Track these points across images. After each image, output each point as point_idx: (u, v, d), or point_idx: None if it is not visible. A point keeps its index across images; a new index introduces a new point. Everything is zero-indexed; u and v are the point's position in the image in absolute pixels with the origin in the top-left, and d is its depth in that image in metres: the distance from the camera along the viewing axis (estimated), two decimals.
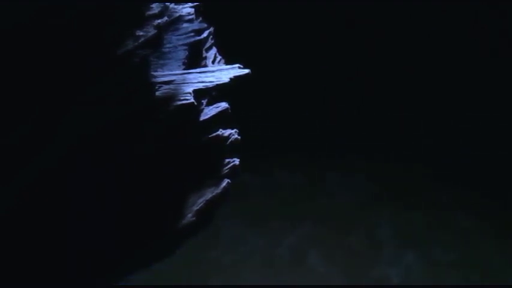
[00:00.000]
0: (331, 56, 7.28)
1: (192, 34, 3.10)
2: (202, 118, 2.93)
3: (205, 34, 3.17)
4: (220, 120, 2.99)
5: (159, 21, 2.83)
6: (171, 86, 2.83)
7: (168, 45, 3.02)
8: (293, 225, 5.62)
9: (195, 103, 2.79)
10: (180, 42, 3.06)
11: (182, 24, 3.12)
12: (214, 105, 3.00)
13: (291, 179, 6.18)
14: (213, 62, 3.20)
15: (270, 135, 6.56)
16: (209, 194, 2.89)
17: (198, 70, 2.98)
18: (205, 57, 3.17)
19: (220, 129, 3.00)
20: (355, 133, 6.79)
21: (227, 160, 3.02)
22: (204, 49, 3.18)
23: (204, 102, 2.96)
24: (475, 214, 5.77)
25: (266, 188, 6.05)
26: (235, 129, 3.04)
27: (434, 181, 6.23)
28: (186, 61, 3.00)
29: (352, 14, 7.38)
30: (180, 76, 2.90)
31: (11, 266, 2.36)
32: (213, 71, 2.98)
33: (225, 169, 2.99)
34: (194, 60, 3.07)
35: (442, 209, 5.86)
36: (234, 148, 3.04)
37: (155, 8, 2.88)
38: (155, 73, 2.86)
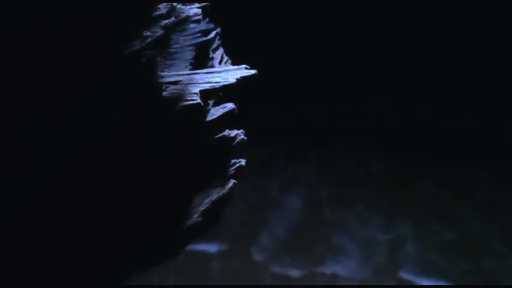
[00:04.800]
0: (336, 57, 7.20)
1: (199, 35, 3.03)
2: (208, 118, 2.85)
3: (212, 35, 3.09)
4: (226, 120, 2.91)
5: (166, 21, 2.75)
6: (178, 87, 2.75)
7: (175, 46, 2.95)
8: None
9: (202, 103, 2.73)
10: (187, 43, 2.99)
11: (189, 24, 3.04)
12: (221, 106, 2.92)
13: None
14: (219, 63, 3.12)
15: (274, 134, 6.48)
16: (215, 194, 2.82)
17: (204, 71, 2.90)
18: (212, 58, 3.09)
19: (227, 130, 2.91)
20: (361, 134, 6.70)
21: (233, 161, 2.93)
22: (211, 50, 3.10)
23: (211, 102, 2.88)
24: None
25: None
26: (241, 130, 2.96)
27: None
28: (193, 61, 2.94)
29: (360, 15, 7.30)
30: (187, 76, 2.82)
31: (12, 266, 2.29)
32: (219, 72, 2.90)
33: (231, 170, 2.91)
34: (201, 60, 3.00)
35: None
36: (240, 149, 2.95)
37: (162, 8, 2.80)
38: (162, 73, 2.79)
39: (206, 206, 2.78)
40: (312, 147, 6.53)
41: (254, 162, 3.06)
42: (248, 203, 5.62)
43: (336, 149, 6.49)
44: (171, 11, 2.86)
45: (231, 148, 2.92)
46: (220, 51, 3.19)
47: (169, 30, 2.79)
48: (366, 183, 6.09)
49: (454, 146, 6.48)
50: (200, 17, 3.08)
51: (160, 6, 2.80)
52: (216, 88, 2.80)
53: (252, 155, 3.02)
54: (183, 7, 3.06)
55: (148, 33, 2.61)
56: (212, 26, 3.14)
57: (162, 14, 2.77)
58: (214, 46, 3.14)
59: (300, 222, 5.55)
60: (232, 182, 2.87)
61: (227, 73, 2.88)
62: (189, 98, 2.71)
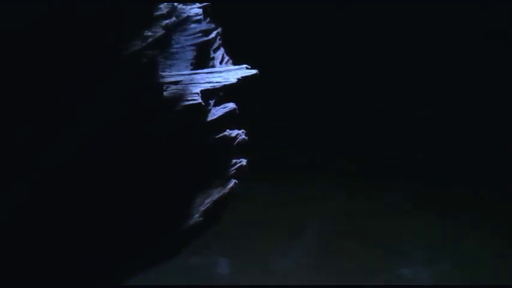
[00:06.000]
0: (336, 57, 7.18)
1: (200, 35, 3.01)
2: (209, 118, 2.83)
3: (213, 35, 3.07)
4: (227, 120, 2.89)
5: (167, 21, 2.74)
6: (179, 86, 2.73)
7: (176, 46, 2.93)
8: None
9: (203, 103, 2.71)
10: (188, 43, 2.97)
11: (190, 24, 3.02)
12: (222, 106, 2.89)
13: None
14: (220, 63, 3.09)
15: (275, 134, 6.45)
16: (216, 194, 2.79)
17: (205, 70, 2.88)
18: (213, 58, 3.07)
19: (228, 130, 2.89)
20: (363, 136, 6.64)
21: (234, 161, 2.91)
22: (211, 50, 3.08)
23: (212, 102, 2.86)
24: None
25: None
26: (242, 130, 2.94)
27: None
28: (193, 61, 2.92)
29: (360, 15, 7.27)
30: (187, 76, 2.80)
31: (12, 266, 2.27)
32: (220, 72, 2.88)
33: (232, 170, 2.88)
34: (202, 60, 2.98)
35: None
36: (241, 148, 2.93)
37: (163, 8, 2.79)
38: (163, 73, 2.77)
39: (207, 206, 2.76)
40: (313, 147, 6.51)
41: (255, 163, 3.03)
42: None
43: (338, 149, 6.46)
44: (172, 11, 2.84)
45: (232, 148, 2.90)
46: (221, 51, 3.17)
47: (170, 30, 2.77)
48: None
49: (455, 146, 6.46)
50: (201, 17, 3.06)
51: (161, 6, 2.79)
52: (216, 88, 2.78)
53: (253, 155, 2.99)
54: (183, 7, 3.04)
55: (149, 33, 2.59)
56: (213, 26, 3.12)
57: (163, 14, 2.76)
58: (215, 46, 3.12)
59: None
60: (233, 181, 2.85)
61: (228, 73, 2.86)
62: (189, 98, 2.69)
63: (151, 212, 2.61)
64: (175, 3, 2.94)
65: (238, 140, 2.90)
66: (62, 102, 2.27)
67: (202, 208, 2.76)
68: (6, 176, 2.20)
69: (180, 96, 2.69)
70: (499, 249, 5.16)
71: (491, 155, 6.28)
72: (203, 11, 3.09)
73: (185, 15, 3.03)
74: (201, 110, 2.74)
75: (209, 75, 2.84)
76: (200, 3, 3.12)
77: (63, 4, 2.25)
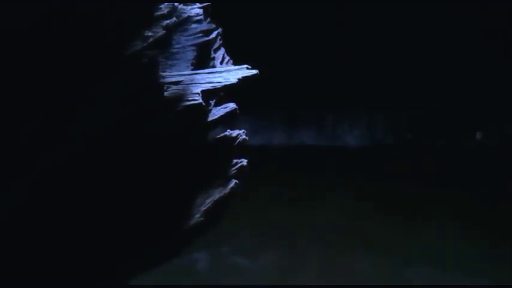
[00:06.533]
0: (336, 57, 7.17)
1: (201, 35, 2.99)
2: (210, 118, 2.81)
3: (213, 35, 3.05)
4: (228, 120, 2.87)
5: (168, 21, 2.72)
6: (180, 87, 2.71)
7: (176, 46, 2.91)
8: None
9: (203, 103, 2.68)
10: (189, 43, 2.95)
11: (191, 25, 3.01)
12: (222, 106, 2.88)
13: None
14: (221, 63, 3.08)
15: (277, 135, 6.44)
16: (217, 194, 2.77)
17: (206, 71, 2.86)
18: (214, 58, 3.05)
19: (228, 130, 2.87)
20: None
21: (235, 161, 2.89)
22: (212, 50, 3.06)
23: (212, 102, 2.84)
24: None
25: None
26: (243, 130, 2.92)
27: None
28: (194, 62, 2.90)
29: (360, 15, 7.26)
30: (188, 76, 2.78)
31: (12, 266, 2.25)
32: (221, 72, 2.86)
33: (233, 170, 2.87)
34: (202, 60, 2.96)
35: None
36: (241, 149, 2.91)
37: (164, 8, 2.77)
38: (164, 73, 2.74)
39: (208, 205, 2.74)
40: (312, 147, 6.51)
41: (255, 163, 3.01)
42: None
43: (338, 150, 6.45)
44: (173, 11, 2.83)
45: (232, 148, 2.88)
46: (222, 51, 3.16)
47: (170, 30, 2.75)
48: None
49: (455, 146, 6.45)
50: (201, 17, 3.04)
51: (162, 6, 2.77)
52: (217, 88, 2.76)
53: (254, 155, 2.98)
54: (184, 7, 3.03)
55: (149, 33, 2.57)
56: (213, 26, 3.10)
57: (164, 14, 2.74)
58: (215, 46, 3.10)
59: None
60: (233, 181, 2.83)
61: (229, 73, 2.84)
62: (190, 98, 2.67)
63: (151, 212, 2.59)
64: (176, 4, 2.92)
65: (238, 140, 2.88)
66: (62, 102, 2.25)
67: (203, 208, 2.73)
68: (6, 176, 2.18)
69: (180, 97, 2.67)
70: (499, 249, 5.15)
71: (491, 155, 6.27)
72: (204, 11, 3.08)
73: (186, 15, 3.01)
74: (201, 110, 2.72)
75: (210, 75, 2.82)
76: (201, 3, 3.10)
77: (63, 4, 2.23)
